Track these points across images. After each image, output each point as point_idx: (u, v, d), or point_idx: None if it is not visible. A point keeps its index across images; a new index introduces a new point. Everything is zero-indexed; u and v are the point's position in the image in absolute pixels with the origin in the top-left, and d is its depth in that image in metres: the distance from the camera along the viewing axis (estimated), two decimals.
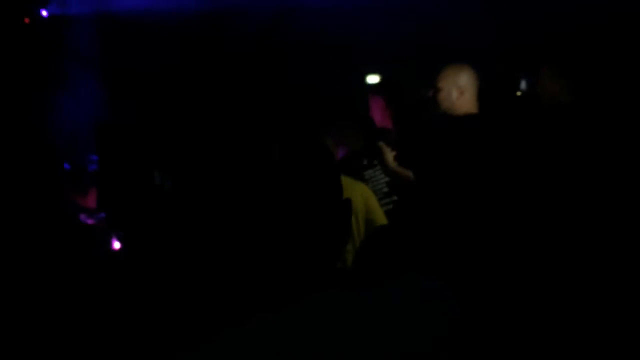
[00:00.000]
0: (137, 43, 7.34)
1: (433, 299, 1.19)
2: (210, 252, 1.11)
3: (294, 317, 1.09)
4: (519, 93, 3.26)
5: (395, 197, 3.62)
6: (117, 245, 3.62)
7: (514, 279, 1.52)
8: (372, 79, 5.35)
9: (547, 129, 2.22)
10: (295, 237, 1.10)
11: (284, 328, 1.08)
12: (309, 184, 1.10)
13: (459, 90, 3.28)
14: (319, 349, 1.07)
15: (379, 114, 3.87)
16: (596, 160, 1.98)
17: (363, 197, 3.43)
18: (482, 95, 3.40)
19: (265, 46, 7.14)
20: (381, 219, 3.37)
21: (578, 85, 2.98)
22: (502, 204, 1.63)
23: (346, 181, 3.55)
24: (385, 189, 3.66)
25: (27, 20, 8.14)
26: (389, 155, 3.40)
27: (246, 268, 1.11)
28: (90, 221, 3.85)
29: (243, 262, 1.11)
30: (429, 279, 1.20)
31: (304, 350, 1.07)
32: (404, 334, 1.13)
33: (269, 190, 1.09)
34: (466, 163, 2.29)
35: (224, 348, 1.07)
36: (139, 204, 3.53)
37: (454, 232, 1.69)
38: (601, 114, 2.48)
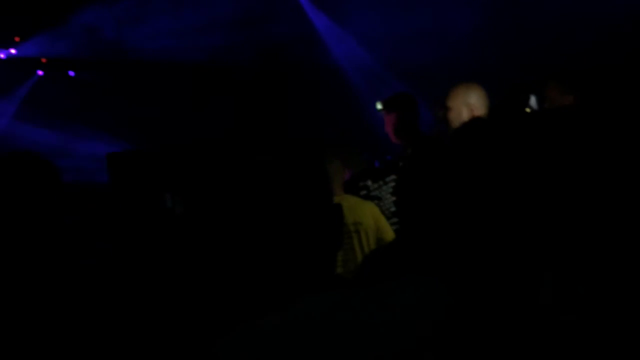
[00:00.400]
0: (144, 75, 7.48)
1: (429, 299, 1.20)
2: (212, 255, 1.18)
3: (292, 316, 1.12)
4: (528, 110, 3.25)
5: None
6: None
7: (511, 281, 1.50)
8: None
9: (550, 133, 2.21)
10: (291, 243, 1.15)
11: (284, 327, 1.11)
12: (301, 197, 1.17)
13: (469, 109, 3.28)
14: (315, 346, 1.09)
15: (392, 130, 3.85)
16: (600, 165, 1.98)
17: (373, 217, 3.41)
18: (492, 113, 3.40)
19: (273, 73, 7.21)
20: (391, 237, 3.35)
21: (588, 99, 2.97)
22: (505, 209, 1.61)
23: (356, 201, 3.56)
24: (393, 209, 3.64)
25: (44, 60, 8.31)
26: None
27: (247, 272, 1.16)
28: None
29: (245, 267, 1.16)
30: (426, 279, 1.22)
31: (301, 347, 1.09)
32: (398, 332, 1.15)
33: (268, 204, 1.16)
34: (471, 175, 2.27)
35: (225, 349, 1.09)
36: (150, 228, 3.53)
37: (454, 235, 1.68)
38: (610, 121, 2.47)
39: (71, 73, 8.18)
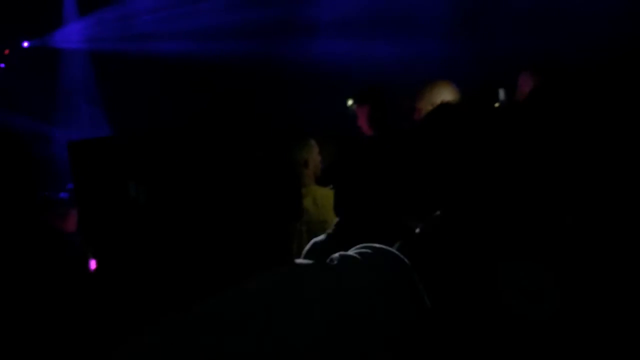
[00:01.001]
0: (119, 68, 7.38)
1: (388, 268, 1.24)
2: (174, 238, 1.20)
3: (246, 291, 1.16)
4: (497, 104, 3.26)
5: None
6: (94, 265, 3.55)
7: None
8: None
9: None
10: (248, 219, 1.20)
11: (238, 301, 1.14)
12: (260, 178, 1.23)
13: None
14: (271, 321, 1.12)
15: (365, 123, 3.83)
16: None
17: None
18: (461, 108, 3.39)
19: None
20: None
21: (557, 90, 2.98)
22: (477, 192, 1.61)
23: (326, 194, 3.52)
24: None
25: (7, 51, 8.14)
26: None
27: (204, 248, 1.21)
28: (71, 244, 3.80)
29: (200, 244, 1.17)
30: (384, 250, 1.23)
31: (257, 322, 1.12)
32: (357, 303, 1.18)
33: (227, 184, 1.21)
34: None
35: (179, 327, 1.13)
36: (114, 217, 3.46)
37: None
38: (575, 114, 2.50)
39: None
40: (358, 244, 1.33)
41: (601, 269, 1.56)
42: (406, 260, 1.29)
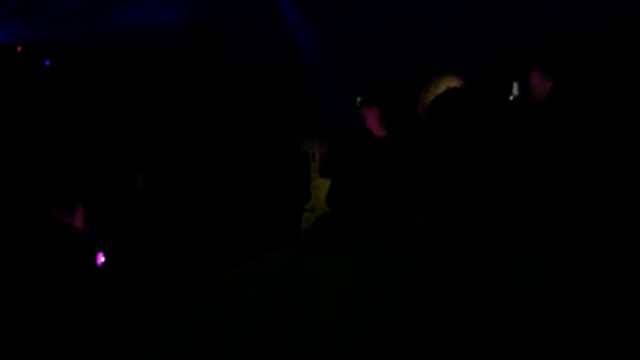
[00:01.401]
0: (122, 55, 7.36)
1: (390, 254, 1.24)
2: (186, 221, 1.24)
3: (257, 270, 1.16)
4: (511, 97, 3.22)
5: None
6: (102, 259, 3.53)
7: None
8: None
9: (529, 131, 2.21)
10: (259, 201, 1.25)
11: (246, 280, 1.14)
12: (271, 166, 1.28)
13: None
14: (281, 299, 1.11)
15: (375, 125, 3.74)
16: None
17: None
18: (473, 101, 3.35)
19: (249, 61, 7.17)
20: None
21: (568, 85, 2.95)
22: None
23: (323, 182, 3.50)
24: None
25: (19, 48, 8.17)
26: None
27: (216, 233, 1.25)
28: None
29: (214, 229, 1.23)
30: (387, 234, 1.22)
31: (262, 300, 1.11)
32: (359, 286, 1.16)
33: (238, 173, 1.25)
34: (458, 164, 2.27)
35: (188, 304, 1.13)
36: (122, 207, 3.45)
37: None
38: (588, 116, 2.48)
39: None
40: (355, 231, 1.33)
41: (600, 264, 1.54)
42: (410, 248, 1.29)
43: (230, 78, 7.21)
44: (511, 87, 3.24)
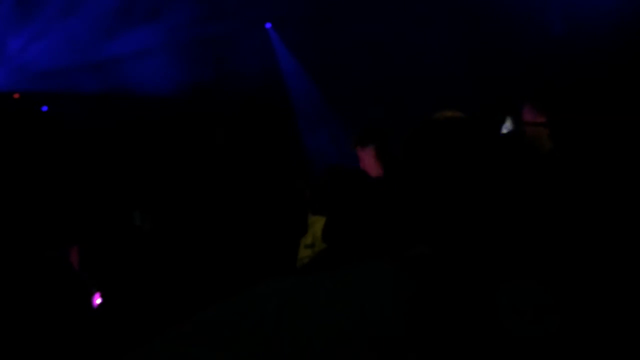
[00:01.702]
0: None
1: (389, 283, 1.22)
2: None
3: (256, 297, 1.14)
4: (504, 131, 3.25)
5: None
6: (98, 301, 3.51)
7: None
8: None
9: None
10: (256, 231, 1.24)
11: (248, 307, 1.13)
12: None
13: None
14: (282, 327, 1.10)
15: (371, 164, 3.75)
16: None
17: None
18: (467, 135, 3.39)
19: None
20: None
21: (561, 122, 2.99)
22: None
23: (318, 219, 3.50)
24: None
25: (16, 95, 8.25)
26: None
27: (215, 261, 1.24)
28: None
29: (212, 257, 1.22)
30: (386, 263, 1.24)
31: (259, 330, 1.10)
32: (359, 315, 1.15)
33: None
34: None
35: (188, 333, 1.11)
36: (118, 245, 3.44)
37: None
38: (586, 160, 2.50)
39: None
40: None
41: (601, 287, 1.54)
42: (410, 275, 1.28)
43: (224, 119, 7.28)
44: (504, 122, 3.28)
